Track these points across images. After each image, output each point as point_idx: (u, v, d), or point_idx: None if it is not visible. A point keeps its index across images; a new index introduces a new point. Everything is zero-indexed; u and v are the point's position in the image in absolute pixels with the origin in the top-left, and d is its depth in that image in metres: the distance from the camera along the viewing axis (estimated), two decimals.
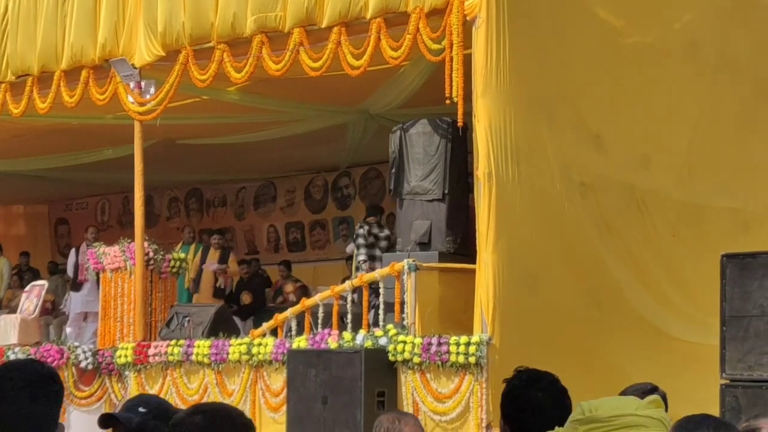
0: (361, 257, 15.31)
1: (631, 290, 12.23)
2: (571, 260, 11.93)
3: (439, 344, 11.57)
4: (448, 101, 11.65)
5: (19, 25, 15.61)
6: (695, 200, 12.85)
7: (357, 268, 15.37)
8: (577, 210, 12.05)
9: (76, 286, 17.10)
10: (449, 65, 11.71)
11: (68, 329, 17.12)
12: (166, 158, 17.94)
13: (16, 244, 24.03)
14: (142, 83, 14.59)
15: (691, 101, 13.00)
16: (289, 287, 18.22)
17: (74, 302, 17.20)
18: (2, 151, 19.26)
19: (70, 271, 17.56)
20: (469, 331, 11.47)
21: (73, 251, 17.89)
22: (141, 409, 3.69)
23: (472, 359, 11.30)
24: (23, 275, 20.37)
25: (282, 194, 21.73)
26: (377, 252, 15.38)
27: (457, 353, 11.38)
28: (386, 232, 15.60)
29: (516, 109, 11.65)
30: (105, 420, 3.81)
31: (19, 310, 17.10)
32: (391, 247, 14.91)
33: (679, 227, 12.70)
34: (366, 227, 15.58)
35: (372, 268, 15.32)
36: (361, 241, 15.42)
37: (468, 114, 11.76)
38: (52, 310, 18.97)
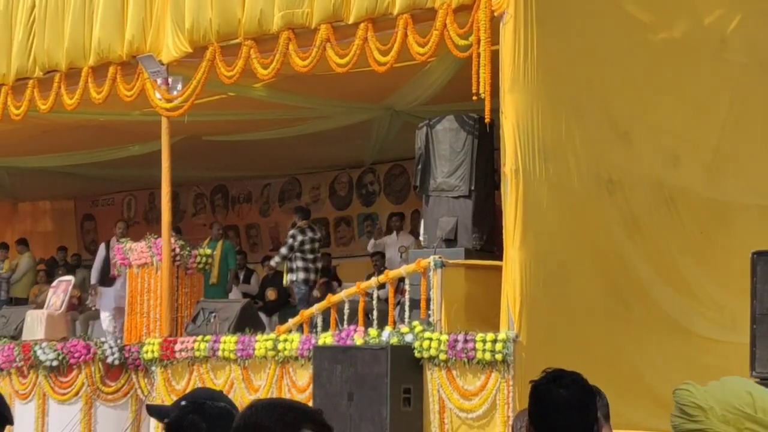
0: (300, 263, 15.80)
1: (658, 288, 12.17)
2: (598, 257, 11.89)
3: (466, 341, 11.55)
4: (475, 97, 11.62)
5: (47, 22, 15.66)
6: (724, 197, 12.77)
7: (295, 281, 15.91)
8: (604, 207, 12.00)
9: (108, 281, 17.04)
10: (476, 61, 11.68)
11: (104, 325, 17.10)
12: (193, 155, 17.97)
13: (43, 240, 24.17)
14: (170, 80, 14.61)
15: (720, 98, 12.92)
16: None
17: (107, 298, 17.14)
18: (30, 148, 19.35)
19: (97, 266, 17.52)
20: (496, 328, 11.44)
21: (102, 246, 17.86)
22: (182, 402, 3.68)
23: (498, 356, 11.27)
24: (58, 270, 20.44)
25: (307, 191, 21.74)
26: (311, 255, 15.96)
27: (484, 350, 11.36)
28: (319, 234, 16.18)
29: (543, 105, 11.61)
30: (153, 411, 3.83)
31: (46, 306, 17.17)
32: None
33: (708, 225, 12.63)
34: (309, 232, 16.08)
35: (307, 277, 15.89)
36: (308, 246, 15.88)
37: (495, 110, 11.73)
38: (78, 306, 19.04)
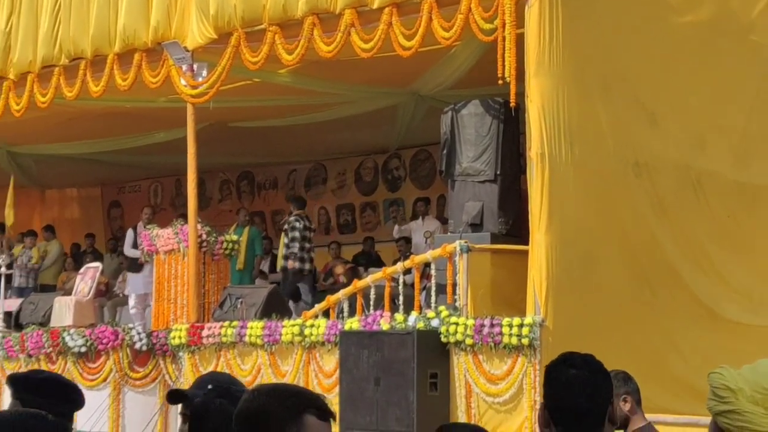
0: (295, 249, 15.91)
1: (685, 271, 12.12)
2: (625, 241, 11.84)
3: (492, 326, 11.54)
4: (500, 81, 11.58)
5: (72, 9, 15.70)
6: (752, 180, 12.68)
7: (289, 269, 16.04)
8: (631, 190, 11.95)
9: (136, 267, 17.07)
10: (501, 45, 11.63)
11: (132, 311, 17.17)
12: (218, 141, 18.00)
13: (70, 227, 24.28)
14: (195, 66, 14.64)
15: (747, 81, 12.82)
16: (339, 269, 18.23)
17: (134, 284, 17.20)
18: (56, 135, 19.43)
19: (128, 251, 17.55)
20: (522, 313, 11.43)
21: (130, 231, 17.89)
22: (209, 387, 3.70)
23: (525, 341, 11.26)
24: (86, 257, 20.53)
25: (333, 176, 21.75)
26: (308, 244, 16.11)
27: (510, 335, 11.35)
28: (313, 225, 16.30)
29: (569, 88, 11.56)
30: (173, 396, 3.83)
31: (73, 292, 17.26)
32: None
33: (736, 208, 12.55)
34: (305, 221, 16.19)
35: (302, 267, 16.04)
36: (298, 234, 15.97)
37: (520, 94, 11.69)
38: (106, 292, 19.13)
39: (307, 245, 16.66)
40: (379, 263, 17.78)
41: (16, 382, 4.46)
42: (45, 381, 4.49)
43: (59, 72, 15.87)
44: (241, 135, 18.77)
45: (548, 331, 11.21)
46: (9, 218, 18.93)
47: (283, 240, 16.99)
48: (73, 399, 4.45)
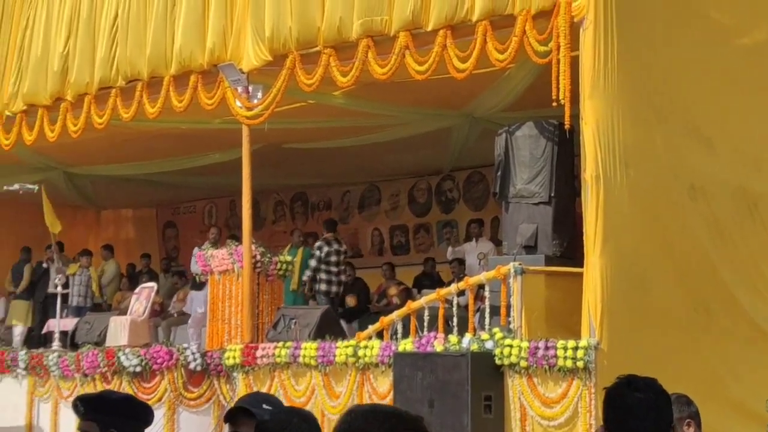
0: (323, 275, 15.96)
1: (741, 294, 12.02)
2: (681, 264, 11.76)
3: (546, 348, 11.49)
4: (554, 103, 11.56)
5: (129, 31, 15.87)
6: None
7: (307, 285, 16.07)
8: (686, 213, 11.88)
9: (199, 285, 17.14)
10: (556, 67, 11.62)
11: (190, 330, 17.27)
12: (273, 162, 18.10)
13: (125, 247, 24.49)
14: (250, 88, 14.73)
15: None
16: (392, 290, 18.25)
17: (197, 302, 17.27)
18: (112, 156, 19.62)
19: (195, 269, 17.59)
20: (577, 336, 11.37)
21: (197, 250, 17.95)
22: (265, 406, 3.72)
23: (580, 363, 11.20)
24: (141, 277, 20.70)
25: (386, 197, 21.80)
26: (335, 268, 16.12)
27: (565, 357, 11.29)
28: (344, 247, 16.28)
29: (624, 110, 11.52)
30: (234, 413, 3.86)
31: (129, 312, 17.40)
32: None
33: None
34: (335, 244, 16.19)
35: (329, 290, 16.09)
36: (333, 258, 16.02)
37: (575, 116, 11.66)
38: (160, 312, 19.26)
39: (334, 269, 16.74)
40: (441, 284, 17.77)
41: (89, 402, 4.47)
42: (120, 401, 4.51)
43: (116, 93, 16.02)
44: (295, 156, 18.86)
45: (603, 354, 11.14)
46: (54, 226, 19.11)
47: (311, 262, 17.12)
48: (146, 419, 4.49)
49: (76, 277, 20.03)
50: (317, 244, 16.88)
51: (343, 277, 17.05)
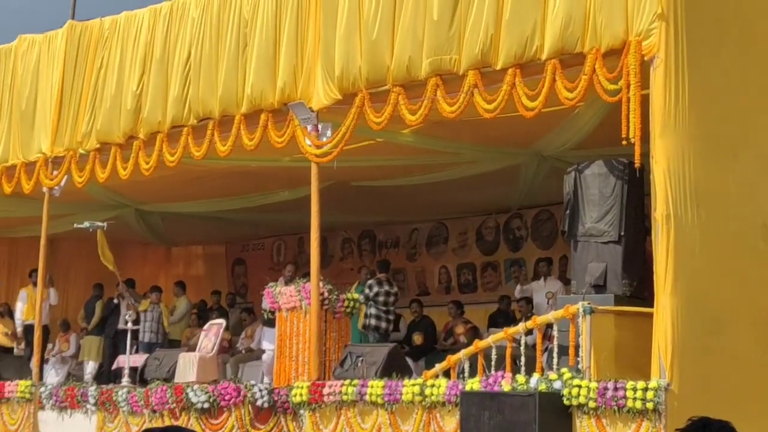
0: (373, 310, 15.92)
1: None
2: (753, 305, 11.61)
3: (616, 389, 11.37)
4: (624, 142, 11.50)
5: (201, 71, 16.06)
6: None
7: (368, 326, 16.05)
8: (759, 253, 11.73)
9: (271, 322, 17.17)
10: (626, 106, 11.56)
11: (264, 368, 17.30)
12: (341, 200, 18.18)
13: (195, 283, 24.68)
14: (319, 126, 14.82)
15: None
16: (459, 328, 18.20)
17: (269, 338, 17.32)
18: (183, 193, 19.83)
19: (266, 306, 17.68)
20: (647, 377, 11.25)
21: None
22: None
23: (649, 405, 11.07)
24: (211, 314, 20.83)
25: (454, 236, 21.78)
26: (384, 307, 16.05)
27: (634, 399, 11.17)
28: (395, 288, 16.23)
29: (696, 149, 11.44)
30: None
31: (197, 348, 17.49)
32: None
33: None
34: (386, 285, 16.13)
35: (378, 325, 16.02)
36: (381, 298, 15.98)
37: (645, 155, 11.59)
38: (228, 348, 19.35)
39: (383, 308, 16.77)
40: (516, 322, 17.69)
41: None
42: None
43: (188, 132, 16.17)
44: (363, 194, 18.92)
45: (674, 396, 11.01)
46: (109, 262, 19.34)
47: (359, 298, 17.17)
48: None
49: (148, 313, 20.21)
50: (368, 282, 16.89)
51: (391, 317, 17.06)
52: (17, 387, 18.30)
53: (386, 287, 16.93)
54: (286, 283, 16.42)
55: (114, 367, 19.66)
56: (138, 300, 20.49)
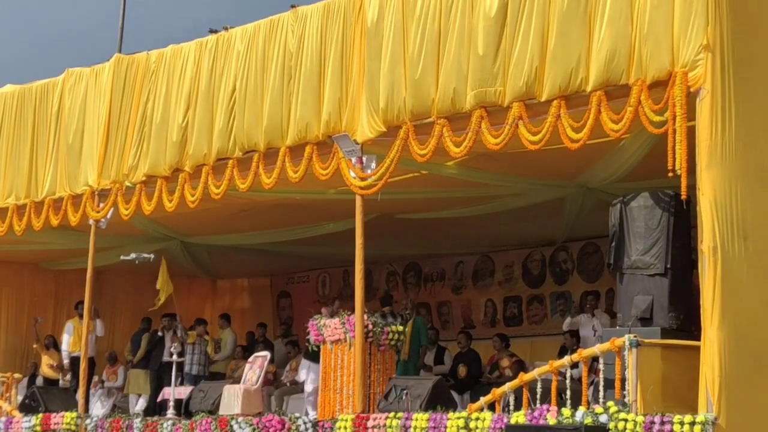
0: None
1: None
2: None
3: (663, 423, 11.25)
4: (670, 174, 11.44)
5: (246, 104, 16.14)
6: None
7: None
8: None
9: (315, 354, 17.16)
10: (672, 137, 11.51)
11: (310, 398, 17.29)
12: (385, 232, 18.17)
13: (240, 316, 24.76)
14: (364, 158, 14.85)
15: None
16: (505, 362, 18.12)
17: (316, 373, 17.30)
18: (229, 226, 19.91)
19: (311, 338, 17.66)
20: (694, 410, 11.13)
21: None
22: None
23: None
24: (257, 346, 20.85)
25: (500, 268, 21.72)
26: None
27: None
28: (399, 320, 16.20)
29: (743, 181, 11.34)
30: None
31: (242, 381, 17.50)
32: None
33: None
34: (389, 318, 16.07)
35: None
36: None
37: (692, 187, 11.51)
38: (273, 381, 19.35)
39: None
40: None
41: None
42: None
43: (233, 164, 16.24)
44: (407, 226, 18.91)
45: (721, 430, 10.88)
46: (165, 292, 19.43)
47: None
48: None
49: (195, 346, 20.26)
50: (372, 319, 16.84)
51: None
52: (63, 419, 18.39)
53: (390, 319, 16.90)
54: (332, 317, 16.39)
55: (159, 399, 19.71)
56: (184, 333, 20.55)
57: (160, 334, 20.99)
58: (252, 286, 26.36)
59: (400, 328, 16.06)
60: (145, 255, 18.76)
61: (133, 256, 18.73)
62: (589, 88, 12.39)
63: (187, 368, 19.96)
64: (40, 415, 18.60)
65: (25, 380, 21.64)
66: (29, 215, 19.05)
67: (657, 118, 11.77)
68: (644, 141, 13.38)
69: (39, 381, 21.76)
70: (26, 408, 19.11)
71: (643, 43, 11.95)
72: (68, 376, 21.44)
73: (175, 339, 19.99)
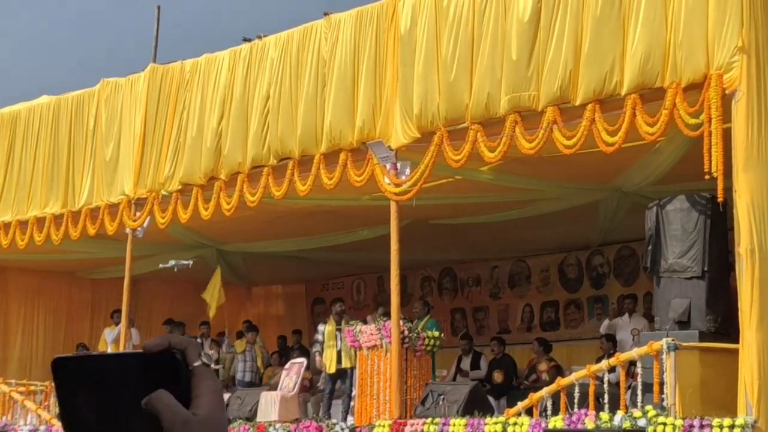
0: None
1: None
2: None
3: (702, 426, 11.22)
4: (706, 176, 11.41)
5: (281, 112, 16.19)
6: None
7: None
8: None
9: None
10: (708, 140, 11.49)
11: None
12: (420, 238, 18.18)
13: (275, 323, 24.83)
14: (398, 164, 14.88)
15: None
16: (543, 365, 18.06)
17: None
18: (264, 233, 19.97)
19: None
20: (733, 414, 11.09)
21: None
22: None
23: None
24: (293, 353, 20.88)
25: (536, 273, 21.68)
26: None
27: None
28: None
29: None
30: None
31: (279, 388, 17.55)
32: None
33: None
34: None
35: None
36: None
37: (728, 189, 11.47)
38: (310, 387, 19.38)
39: None
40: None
41: None
42: None
43: (268, 172, 16.29)
44: (442, 232, 18.91)
45: None
46: (214, 301, 19.48)
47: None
48: None
49: (246, 353, 20.27)
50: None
51: None
52: None
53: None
54: (374, 321, 16.41)
55: None
56: (225, 341, 20.59)
57: (199, 341, 21.06)
58: (287, 292, 26.43)
59: (436, 333, 16.07)
60: (184, 262, 18.85)
61: (172, 263, 18.83)
62: (623, 92, 12.37)
63: (239, 375, 19.99)
64: None
65: None
66: (66, 225, 19.19)
67: (692, 121, 11.73)
68: (679, 144, 13.35)
69: None
70: None
71: (678, 46, 11.93)
72: None
73: (212, 346, 20.04)
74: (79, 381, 1.65)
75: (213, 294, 19.83)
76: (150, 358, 1.65)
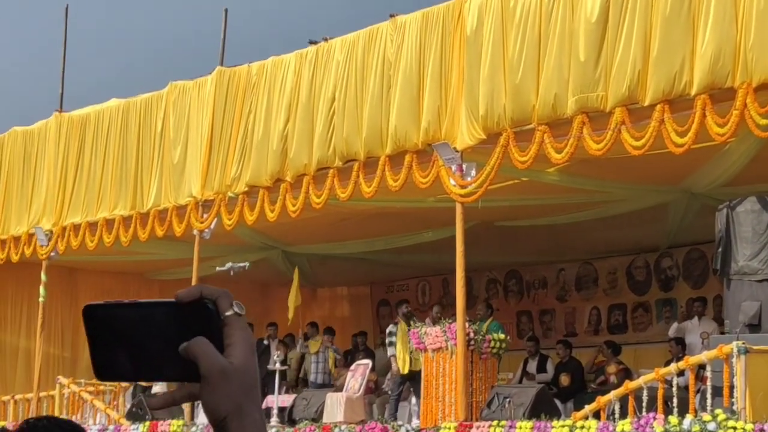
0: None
1: None
2: None
3: None
4: None
5: (346, 114, 16.22)
6: None
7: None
8: None
9: None
10: None
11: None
12: (485, 240, 18.10)
13: (340, 324, 24.81)
14: (464, 166, 14.82)
15: None
16: (611, 368, 17.91)
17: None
18: (329, 235, 20.02)
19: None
20: None
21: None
22: None
23: None
24: (358, 354, 20.88)
25: (603, 275, 21.50)
26: None
27: None
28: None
29: None
30: None
31: (344, 389, 17.57)
32: None
33: None
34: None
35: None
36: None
37: None
38: (375, 389, 19.38)
39: None
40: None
41: None
42: None
43: (333, 174, 16.32)
44: (507, 234, 18.83)
45: None
46: (292, 304, 19.58)
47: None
48: None
49: (320, 354, 20.30)
50: (389, 328, 16.84)
51: None
52: (170, 427, 18.64)
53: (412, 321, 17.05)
54: (434, 324, 16.38)
55: (263, 407, 19.81)
56: (295, 343, 20.67)
57: (265, 342, 21.14)
58: (351, 294, 26.47)
59: (503, 336, 15.99)
60: (240, 264, 18.91)
61: (228, 265, 18.91)
62: (693, 92, 12.23)
63: (312, 377, 20.03)
64: (148, 423, 18.86)
65: (131, 388, 21.96)
66: (135, 226, 19.37)
67: (763, 121, 11.58)
68: (750, 144, 13.18)
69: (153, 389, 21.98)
70: (133, 416, 19.40)
71: (749, 46, 11.77)
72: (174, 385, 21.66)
73: (279, 347, 20.12)
74: (111, 328, 1.67)
75: (292, 296, 19.88)
76: (182, 307, 1.66)
